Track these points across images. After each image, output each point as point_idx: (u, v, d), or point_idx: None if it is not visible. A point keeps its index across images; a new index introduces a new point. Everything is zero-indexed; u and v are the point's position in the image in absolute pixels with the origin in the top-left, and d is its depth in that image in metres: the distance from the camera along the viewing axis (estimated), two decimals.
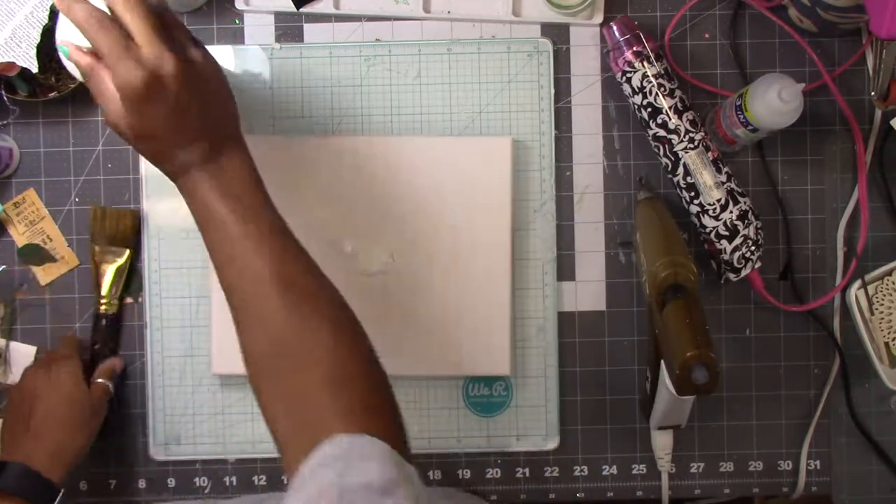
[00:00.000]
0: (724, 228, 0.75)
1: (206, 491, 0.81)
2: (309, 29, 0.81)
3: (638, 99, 0.76)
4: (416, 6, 0.80)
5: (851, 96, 0.80)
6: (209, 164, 0.59)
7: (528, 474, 0.81)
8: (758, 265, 0.77)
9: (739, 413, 0.81)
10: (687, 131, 0.75)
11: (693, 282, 0.67)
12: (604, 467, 0.82)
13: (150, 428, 0.80)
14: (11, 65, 0.73)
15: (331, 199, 0.78)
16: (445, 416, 0.80)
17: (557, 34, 0.80)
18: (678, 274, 0.67)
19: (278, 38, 0.81)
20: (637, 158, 0.81)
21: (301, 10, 0.80)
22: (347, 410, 0.54)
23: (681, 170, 0.76)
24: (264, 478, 0.81)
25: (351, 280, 0.78)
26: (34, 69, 0.73)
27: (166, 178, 0.79)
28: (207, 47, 0.79)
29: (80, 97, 0.79)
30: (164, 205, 0.80)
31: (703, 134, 0.76)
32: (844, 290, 0.80)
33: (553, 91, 0.80)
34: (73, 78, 0.77)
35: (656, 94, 0.75)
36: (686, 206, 0.77)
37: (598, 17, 0.80)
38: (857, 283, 0.79)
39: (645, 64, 0.75)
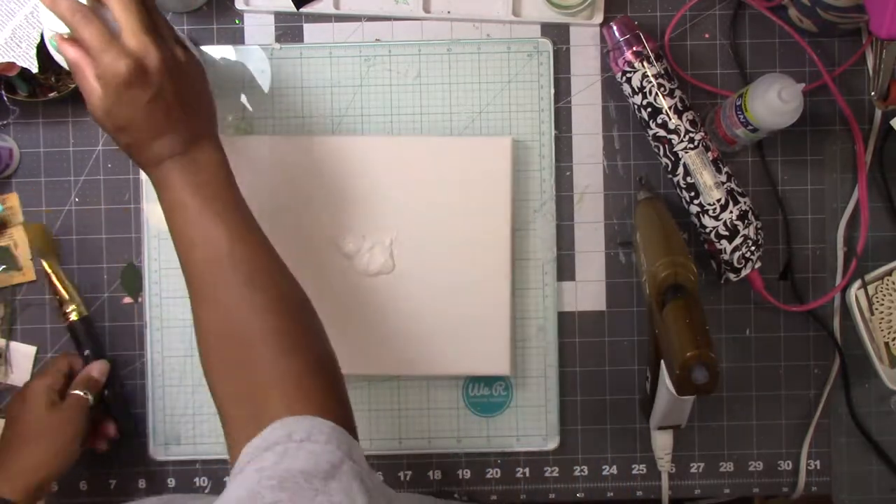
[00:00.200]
0: (724, 228, 0.75)
1: (207, 491, 0.81)
2: (309, 29, 0.81)
3: (638, 99, 0.76)
4: (416, 6, 0.80)
5: (851, 96, 0.80)
6: (182, 156, 0.60)
7: (528, 474, 0.81)
8: (758, 265, 0.77)
9: (739, 413, 0.81)
10: (687, 131, 0.75)
11: (693, 282, 0.67)
12: (604, 467, 0.82)
13: (150, 428, 0.80)
14: (11, 65, 0.73)
15: (331, 199, 0.78)
16: (445, 416, 0.80)
17: (557, 34, 0.80)
18: (678, 274, 0.67)
19: (278, 38, 0.81)
20: (637, 158, 0.81)
21: (301, 10, 0.80)
22: (294, 391, 0.54)
23: (681, 170, 0.76)
24: None
25: (351, 280, 0.78)
26: (34, 69, 0.73)
27: None
28: (207, 47, 0.80)
29: (80, 97, 0.79)
30: None
31: (703, 134, 0.76)
32: (844, 290, 0.80)
33: (553, 91, 0.80)
34: (73, 78, 0.77)
35: (656, 94, 0.75)
36: (686, 206, 0.77)
37: (598, 17, 0.80)
38: (857, 283, 0.79)
39: (645, 64, 0.75)
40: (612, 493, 0.82)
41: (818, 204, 0.81)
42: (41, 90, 0.78)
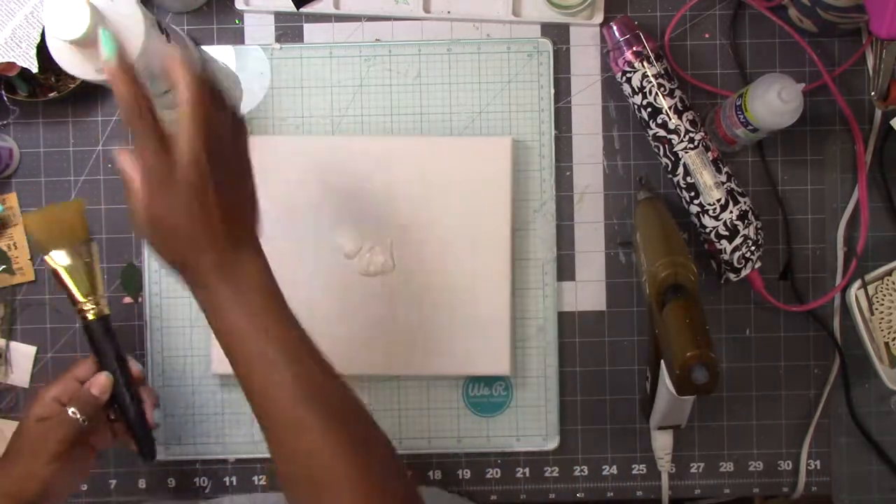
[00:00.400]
0: (724, 228, 0.75)
1: (207, 491, 0.81)
2: (309, 29, 0.81)
3: (638, 99, 0.76)
4: (416, 6, 0.80)
5: (851, 96, 0.80)
6: (226, 272, 0.56)
7: (528, 474, 0.81)
8: (758, 265, 0.77)
9: (739, 413, 0.81)
10: (687, 131, 0.75)
11: (693, 282, 0.67)
12: (604, 467, 0.82)
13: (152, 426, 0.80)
14: (11, 65, 0.73)
15: (331, 199, 0.78)
16: (445, 416, 0.80)
17: (557, 34, 0.80)
18: (678, 274, 0.67)
19: (278, 38, 0.81)
20: (637, 158, 0.81)
21: (301, 10, 0.80)
22: None
23: (681, 170, 0.76)
24: (264, 478, 0.81)
25: (351, 280, 0.78)
26: (34, 69, 0.73)
27: None
28: (207, 47, 0.80)
29: (80, 97, 0.80)
30: None
31: (703, 134, 0.76)
32: (844, 290, 0.80)
33: (553, 91, 0.80)
34: (73, 77, 0.77)
35: (656, 94, 0.75)
36: (686, 206, 0.77)
37: (598, 17, 0.80)
38: (857, 283, 0.79)
39: (645, 64, 0.75)
40: (612, 493, 0.82)
41: (818, 204, 0.81)
42: (41, 90, 0.78)
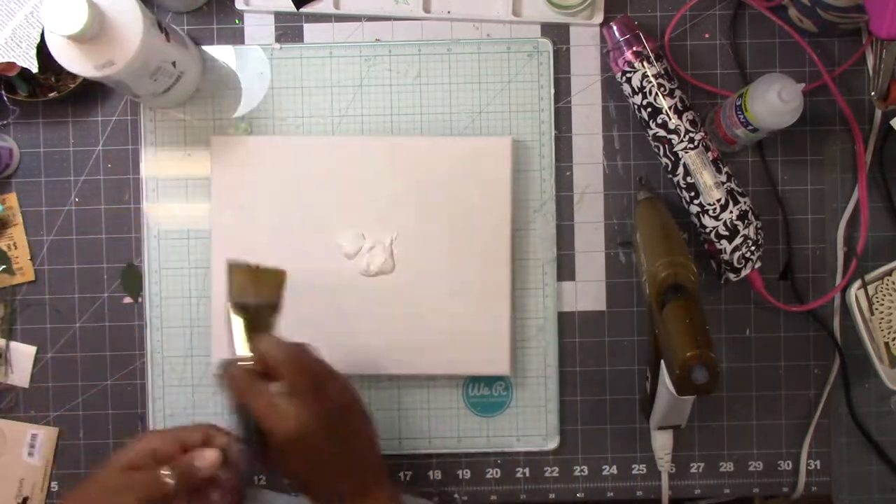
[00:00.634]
0: (724, 228, 0.75)
1: None
2: (309, 29, 0.81)
3: (638, 99, 0.76)
4: (416, 6, 0.80)
5: (851, 96, 0.80)
6: None
7: (528, 474, 0.81)
8: (758, 265, 0.77)
9: (739, 413, 0.81)
10: (687, 131, 0.75)
11: (693, 282, 0.67)
12: (604, 467, 0.82)
13: (151, 428, 0.80)
14: (11, 65, 0.73)
15: (331, 199, 0.78)
16: (445, 416, 0.80)
17: (557, 34, 0.80)
18: (678, 274, 0.67)
19: (278, 38, 0.81)
20: (637, 158, 0.81)
21: (301, 10, 0.80)
22: None
23: (681, 170, 0.76)
24: (264, 478, 0.81)
25: (351, 280, 0.78)
26: (34, 69, 0.73)
27: (167, 180, 0.80)
28: (207, 47, 0.80)
29: (80, 97, 0.80)
30: (164, 205, 0.80)
31: (703, 134, 0.76)
32: (844, 290, 0.80)
33: (553, 91, 0.80)
34: (73, 77, 0.77)
35: (656, 94, 0.75)
36: (686, 206, 0.77)
37: (598, 17, 0.80)
38: (857, 283, 0.79)
39: (645, 64, 0.75)
40: (612, 493, 0.82)
41: (818, 204, 0.81)
42: (41, 90, 0.78)
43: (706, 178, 0.75)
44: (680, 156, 0.75)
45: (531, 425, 0.80)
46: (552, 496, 0.82)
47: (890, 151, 0.80)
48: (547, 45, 0.80)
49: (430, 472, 0.81)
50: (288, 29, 0.81)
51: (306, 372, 0.61)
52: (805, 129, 0.80)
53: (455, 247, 0.78)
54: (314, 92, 0.80)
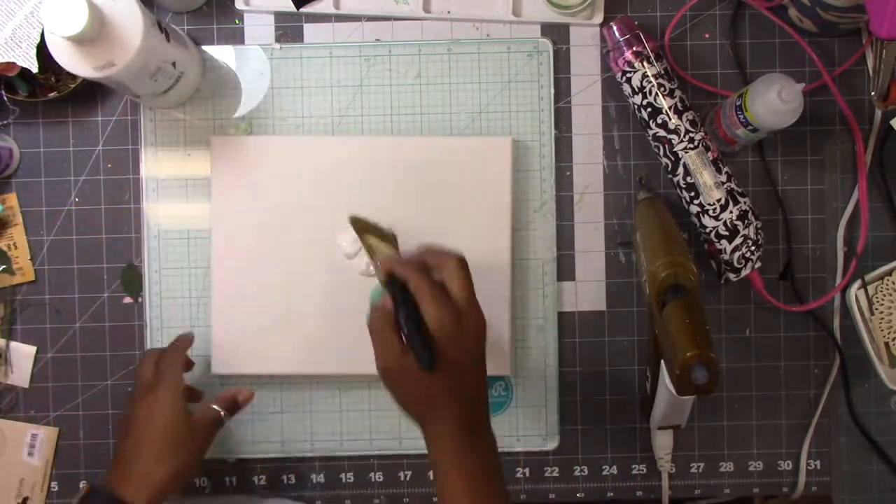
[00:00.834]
0: (724, 228, 0.75)
1: (207, 492, 0.81)
2: (309, 29, 0.81)
3: (638, 99, 0.76)
4: (416, 6, 0.80)
5: (851, 96, 0.80)
6: (465, 434, 0.61)
7: (528, 474, 0.81)
8: (758, 265, 0.77)
9: (739, 413, 0.81)
10: (687, 131, 0.75)
11: (693, 282, 0.67)
12: (604, 467, 0.82)
13: None
14: (11, 65, 0.73)
15: (331, 199, 0.78)
16: None
17: (557, 34, 0.80)
18: (678, 274, 0.67)
19: (278, 38, 0.81)
20: (637, 158, 0.81)
21: (301, 10, 0.80)
22: None
23: (681, 170, 0.76)
24: (264, 478, 0.81)
25: (351, 280, 0.78)
26: (34, 69, 0.73)
27: (167, 180, 0.80)
28: (207, 47, 0.80)
29: (80, 97, 0.80)
30: (164, 205, 0.80)
31: (703, 134, 0.76)
32: (844, 290, 0.80)
33: (553, 91, 0.80)
34: (73, 77, 0.77)
35: (656, 94, 0.75)
36: (686, 206, 0.77)
37: (598, 17, 0.80)
38: (857, 283, 0.79)
39: (645, 64, 0.75)
40: (612, 493, 0.82)
41: (818, 204, 0.81)
42: (41, 90, 0.78)
43: (706, 178, 0.75)
44: (680, 156, 0.75)
45: (531, 425, 0.80)
46: (552, 496, 0.82)
47: (890, 151, 0.80)
48: (547, 45, 0.80)
49: (430, 472, 0.81)
50: (288, 29, 0.81)
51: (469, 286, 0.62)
52: (805, 129, 0.80)
53: (455, 247, 0.78)
54: (314, 92, 0.80)
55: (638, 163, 0.81)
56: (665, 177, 0.80)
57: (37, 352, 0.81)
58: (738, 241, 0.75)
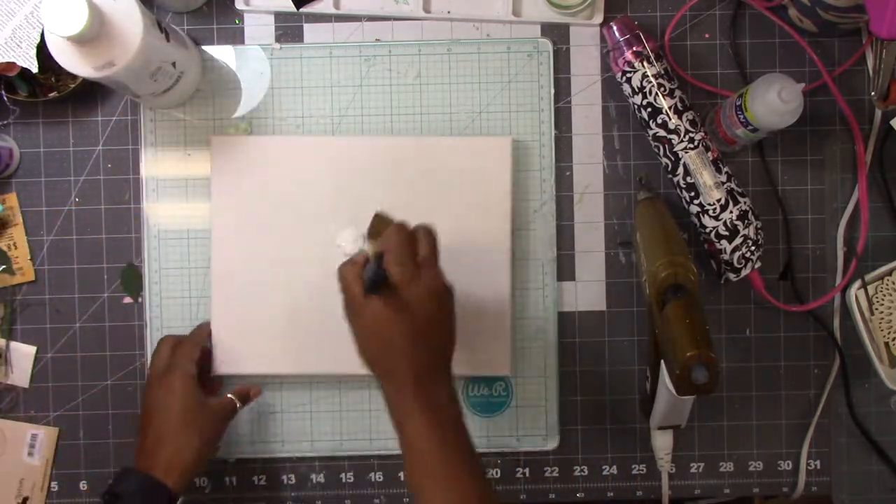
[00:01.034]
0: (724, 228, 0.75)
1: (207, 492, 0.81)
2: (309, 29, 0.81)
3: (638, 99, 0.76)
4: (416, 6, 0.80)
5: (851, 96, 0.80)
6: (427, 399, 0.63)
7: (528, 474, 0.81)
8: (758, 265, 0.77)
9: (739, 413, 0.81)
10: (687, 131, 0.75)
11: (693, 282, 0.67)
12: (604, 467, 0.82)
13: None
14: (11, 65, 0.73)
15: (331, 199, 0.78)
16: None
17: (557, 34, 0.80)
18: (678, 274, 0.67)
19: (278, 38, 0.81)
20: (637, 158, 0.81)
21: (301, 10, 0.80)
22: None
23: (681, 170, 0.76)
24: (264, 478, 0.81)
25: None
26: (34, 69, 0.73)
27: (167, 180, 0.80)
28: (207, 47, 0.80)
29: (80, 97, 0.80)
30: (164, 205, 0.80)
31: (703, 134, 0.76)
32: (844, 290, 0.80)
33: (553, 91, 0.80)
34: (73, 77, 0.77)
35: (656, 94, 0.75)
36: (686, 206, 0.77)
37: (598, 17, 0.80)
38: (857, 283, 0.79)
39: (645, 64, 0.75)
40: (612, 493, 0.82)
41: (818, 204, 0.81)
42: (41, 90, 0.78)
43: (706, 178, 0.75)
44: (680, 156, 0.75)
45: (531, 425, 0.80)
46: (552, 496, 0.82)
47: (890, 151, 0.80)
48: (547, 45, 0.80)
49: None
50: (288, 29, 0.81)
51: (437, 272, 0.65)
52: (805, 129, 0.80)
53: (455, 247, 0.78)
54: (314, 92, 0.80)
55: (638, 163, 0.81)
56: (665, 177, 0.80)
57: (37, 352, 0.81)
58: (738, 241, 0.75)
